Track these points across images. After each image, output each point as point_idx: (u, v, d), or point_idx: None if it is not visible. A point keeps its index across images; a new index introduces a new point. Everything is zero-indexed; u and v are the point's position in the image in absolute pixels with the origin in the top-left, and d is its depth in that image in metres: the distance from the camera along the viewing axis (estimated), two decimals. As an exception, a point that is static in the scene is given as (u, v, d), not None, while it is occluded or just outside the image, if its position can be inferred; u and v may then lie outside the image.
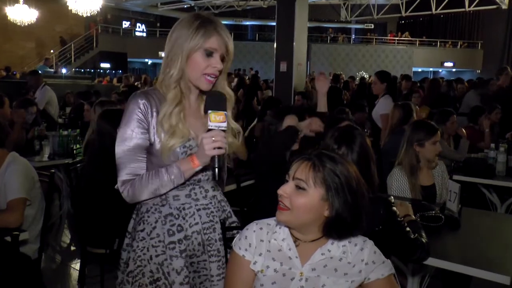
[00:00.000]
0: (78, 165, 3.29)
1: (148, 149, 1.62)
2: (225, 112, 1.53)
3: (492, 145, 4.09)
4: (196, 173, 1.65)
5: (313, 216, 1.41)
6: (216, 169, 1.52)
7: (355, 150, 2.07)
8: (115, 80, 16.19)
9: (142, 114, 1.59)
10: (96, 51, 21.27)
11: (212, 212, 1.72)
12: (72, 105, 8.07)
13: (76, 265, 3.79)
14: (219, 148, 1.49)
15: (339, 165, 1.42)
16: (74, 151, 4.19)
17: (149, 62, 26.35)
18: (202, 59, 1.58)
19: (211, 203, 1.73)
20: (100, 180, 2.95)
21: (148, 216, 1.65)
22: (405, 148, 2.91)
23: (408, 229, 1.98)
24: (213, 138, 1.49)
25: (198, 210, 1.69)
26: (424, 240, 1.99)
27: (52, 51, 19.57)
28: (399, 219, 1.98)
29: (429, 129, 2.91)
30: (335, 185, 1.39)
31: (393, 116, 4.34)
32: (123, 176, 1.60)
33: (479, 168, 3.84)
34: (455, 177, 3.48)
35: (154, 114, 1.60)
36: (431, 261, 2.00)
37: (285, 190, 1.43)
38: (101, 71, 20.67)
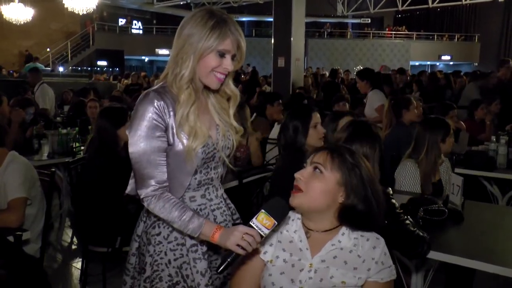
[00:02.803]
0: (79, 163, 3.28)
1: (167, 152, 1.56)
2: (275, 222, 1.41)
3: (493, 138, 4.08)
4: (210, 173, 1.65)
5: (327, 200, 1.45)
6: (226, 263, 1.42)
7: (367, 145, 2.09)
8: (112, 77, 16.13)
9: (159, 115, 1.51)
10: (92, 49, 21.18)
11: (224, 211, 1.72)
12: (70, 103, 8.05)
13: (77, 264, 3.78)
14: (242, 248, 1.39)
15: (355, 155, 1.49)
16: (74, 149, 4.16)
17: (146, 59, 26.28)
18: (215, 61, 1.53)
19: (221, 202, 1.73)
20: (101, 178, 2.94)
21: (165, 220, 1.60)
22: (429, 147, 2.86)
23: (408, 222, 1.98)
24: (244, 237, 1.39)
25: (213, 210, 1.68)
26: (423, 234, 1.98)
27: (48, 49, 19.50)
28: (398, 211, 1.97)
29: (445, 124, 2.93)
30: (351, 172, 1.44)
31: (387, 110, 4.36)
32: (148, 187, 1.52)
33: (480, 161, 3.83)
34: (456, 170, 3.47)
35: (171, 113, 1.53)
36: (435, 255, 1.99)
37: (302, 174, 1.48)
38: (98, 69, 20.59)
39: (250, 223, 1.41)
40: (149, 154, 1.52)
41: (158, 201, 1.52)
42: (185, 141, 1.53)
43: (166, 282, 1.59)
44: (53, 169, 2.80)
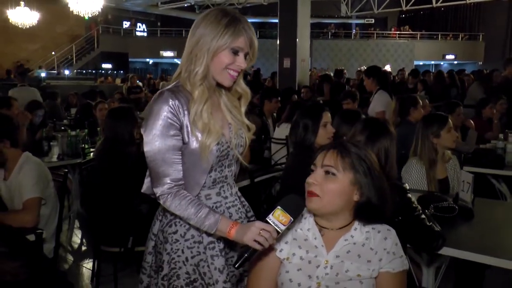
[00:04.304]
0: (90, 164, 3.31)
1: (182, 150, 1.58)
2: (291, 218, 1.43)
3: (501, 136, 4.09)
4: (224, 171, 1.67)
5: (344, 201, 1.47)
6: (244, 259, 1.43)
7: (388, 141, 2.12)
8: (118, 80, 16.21)
9: (174, 114, 1.53)
10: (97, 52, 21.28)
11: (239, 208, 1.74)
12: (76, 106, 8.12)
13: (88, 264, 3.81)
14: (259, 243, 1.41)
15: (363, 150, 1.51)
16: (85, 150, 4.20)
17: (150, 61, 26.36)
18: (228, 58, 1.55)
19: (236, 199, 1.74)
20: (113, 178, 2.97)
21: (181, 218, 1.61)
22: (422, 142, 2.93)
23: (423, 216, 2.00)
24: (261, 232, 1.41)
25: (228, 208, 1.70)
26: (438, 228, 2.01)
27: (53, 53, 19.61)
28: (414, 205, 2.00)
29: (440, 118, 2.95)
30: (362, 169, 1.46)
31: (394, 109, 4.40)
32: (164, 185, 1.55)
33: (488, 159, 3.84)
34: (465, 168, 3.48)
35: (186, 112, 1.55)
36: (447, 251, 2.02)
37: (316, 178, 1.48)
38: (103, 71, 20.70)
39: (267, 219, 1.42)
40: (164, 153, 1.54)
41: (174, 199, 1.54)
42: (199, 138, 1.56)
43: (183, 280, 1.61)
44: (66, 170, 2.83)
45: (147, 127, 1.55)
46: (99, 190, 3.05)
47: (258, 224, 1.43)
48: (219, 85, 1.65)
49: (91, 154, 4.23)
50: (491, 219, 2.49)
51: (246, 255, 1.43)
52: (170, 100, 1.54)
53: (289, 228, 1.47)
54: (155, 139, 1.54)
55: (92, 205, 3.11)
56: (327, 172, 1.47)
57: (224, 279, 1.60)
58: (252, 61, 1.64)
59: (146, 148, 1.56)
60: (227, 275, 1.62)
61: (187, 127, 1.56)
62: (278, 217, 1.42)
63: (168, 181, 1.55)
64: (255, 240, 1.41)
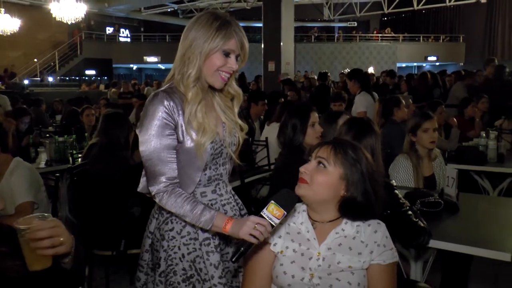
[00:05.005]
0: (80, 168, 3.31)
1: (177, 149, 1.62)
2: (285, 212, 1.46)
3: (483, 133, 4.20)
4: (219, 169, 1.71)
5: (330, 193, 1.52)
6: (240, 252, 1.46)
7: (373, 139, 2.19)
8: (101, 86, 16.11)
9: (169, 114, 1.58)
10: (80, 58, 21.07)
11: (234, 206, 1.79)
12: (62, 113, 8.09)
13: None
14: (254, 237, 1.44)
15: (358, 150, 1.55)
16: (73, 156, 4.20)
17: (134, 67, 26.23)
18: (220, 60, 1.61)
19: (231, 197, 1.79)
20: (106, 181, 2.98)
21: (177, 215, 1.65)
22: (406, 140, 3.04)
23: (410, 212, 2.07)
24: (256, 226, 1.44)
25: (223, 205, 1.74)
26: (424, 224, 2.08)
27: (35, 59, 19.41)
28: (401, 201, 2.06)
29: (420, 118, 3.04)
30: (353, 168, 1.51)
31: (378, 111, 4.54)
32: (159, 183, 1.58)
33: (471, 156, 3.94)
34: (449, 165, 3.57)
35: (180, 112, 1.60)
36: (434, 243, 2.08)
37: (307, 168, 1.55)
38: (86, 78, 20.53)
39: (261, 213, 1.46)
40: (159, 152, 1.58)
41: (169, 197, 1.58)
42: (194, 137, 1.60)
43: (180, 276, 1.64)
44: (58, 174, 2.84)
45: (143, 127, 1.60)
46: (92, 194, 3.06)
47: (253, 218, 1.46)
48: (212, 87, 1.70)
49: (79, 159, 4.23)
50: (475, 213, 2.57)
51: (242, 249, 1.46)
52: (165, 101, 1.58)
53: (282, 222, 1.51)
54: (151, 139, 1.58)
55: (83, 209, 3.11)
56: (319, 163, 1.53)
57: (219, 275, 1.64)
58: (243, 62, 1.69)
59: (142, 148, 1.60)
60: (222, 270, 1.66)
61: (181, 126, 1.61)
62: (272, 211, 1.46)
63: (164, 180, 1.59)
64: (250, 234, 1.44)
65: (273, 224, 1.46)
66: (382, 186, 1.58)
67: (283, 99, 5.99)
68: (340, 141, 1.60)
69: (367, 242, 1.52)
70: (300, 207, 1.62)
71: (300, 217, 1.60)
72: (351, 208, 1.52)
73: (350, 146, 1.56)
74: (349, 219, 1.55)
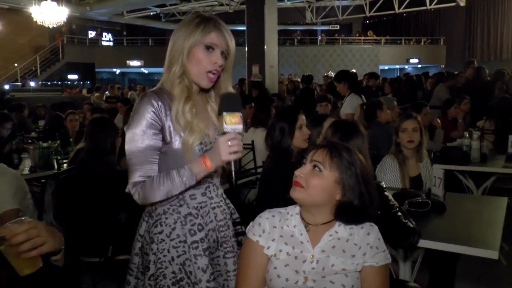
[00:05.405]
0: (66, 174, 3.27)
1: (164, 150, 1.62)
2: (240, 114, 1.50)
3: (466, 134, 4.27)
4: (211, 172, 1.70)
5: (325, 197, 1.51)
6: (235, 173, 1.49)
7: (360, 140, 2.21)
8: (84, 90, 15.94)
9: (156, 114, 1.59)
10: (62, 63, 20.86)
11: (224, 209, 1.78)
12: (45, 118, 7.98)
13: (65, 276, 3.74)
14: (235, 152, 1.48)
15: (353, 154, 1.55)
16: (59, 161, 4.14)
17: (117, 71, 26.04)
18: (202, 54, 1.61)
19: (222, 200, 1.78)
20: (93, 188, 2.95)
21: (166, 218, 1.65)
22: (394, 140, 3.11)
23: (400, 213, 2.09)
24: (229, 143, 1.47)
25: (213, 208, 1.73)
26: (413, 225, 2.10)
27: (16, 64, 19.13)
28: (391, 203, 2.08)
29: (400, 118, 3.16)
30: (349, 172, 1.51)
31: (360, 115, 4.63)
32: (134, 178, 1.60)
33: (455, 156, 4.01)
34: (434, 166, 3.62)
35: (168, 113, 1.60)
36: (423, 243, 2.10)
37: (302, 171, 1.54)
38: (69, 82, 20.30)
39: (224, 130, 1.49)
40: (142, 151, 1.59)
41: (143, 187, 1.59)
42: (182, 135, 1.60)
43: (170, 279, 1.63)
44: (43, 181, 2.80)
45: (130, 125, 1.61)
46: (78, 200, 3.02)
47: (222, 139, 1.48)
48: (204, 90, 1.70)
49: (65, 165, 4.18)
50: (461, 212, 2.61)
51: (233, 170, 1.50)
52: (153, 101, 1.59)
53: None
54: (135, 138, 1.59)
55: (70, 215, 3.08)
56: (314, 167, 1.53)
57: (207, 278, 1.63)
58: (229, 59, 1.69)
59: (127, 146, 1.62)
60: (210, 274, 1.64)
61: (169, 127, 1.61)
62: (230, 122, 1.48)
63: (139, 178, 1.59)
64: (231, 153, 1.47)
65: (240, 131, 1.49)
66: (375, 188, 1.59)
67: (252, 104, 5.86)
68: (335, 144, 1.59)
69: (360, 245, 1.52)
70: (293, 210, 1.62)
71: (293, 220, 1.59)
72: (347, 212, 1.52)
73: (345, 149, 1.55)
74: (341, 222, 1.55)
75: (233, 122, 1.48)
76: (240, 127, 1.50)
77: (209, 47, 1.61)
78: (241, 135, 1.52)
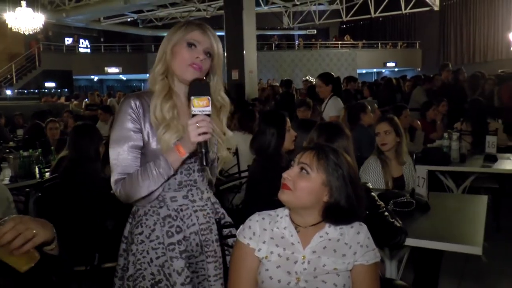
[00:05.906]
0: (50, 182, 3.24)
1: (143, 152, 1.64)
2: (208, 97, 1.52)
3: (445, 135, 4.37)
4: (193, 175, 1.70)
5: (313, 199, 1.53)
6: (204, 154, 1.50)
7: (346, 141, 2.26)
8: (62, 98, 15.71)
9: (135, 115, 1.62)
10: (39, 70, 20.41)
11: (208, 213, 1.76)
12: (24, 127, 7.84)
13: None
14: (204, 133, 1.49)
15: (340, 156, 1.57)
16: (41, 170, 4.08)
17: (95, 78, 25.73)
18: (185, 50, 1.63)
19: (206, 204, 1.76)
20: (79, 195, 2.93)
21: (147, 219, 1.66)
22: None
23: (386, 213, 2.13)
24: (197, 124, 1.48)
25: (195, 211, 1.72)
26: (400, 224, 2.15)
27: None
28: (378, 203, 2.13)
29: (376, 122, 3.28)
30: (335, 174, 1.53)
31: (343, 117, 4.68)
32: (115, 176, 1.62)
33: (436, 157, 4.10)
34: (416, 166, 3.70)
35: (147, 114, 1.63)
36: (410, 242, 2.15)
37: (290, 174, 1.56)
38: (46, 90, 19.95)
39: (192, 113, 1.51)
40: (120, 150, 1.61)
41: (124, 183, 1.60)
42: (159, 133, 1.61)
43: (149, 281, 1.63)
44: (28, 189, 2.76)
45: (113, 125, 1.66)
46: (63, 208, 2.99)
47: (190, 122, 1.50)
48: None
49: (47, 174, 4.12)
50: (445, 210, 2.67)
51: (203, 150, 1.50)
52: (132, 101, 1.63)
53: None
54: (114, 137, 1.63)
55: (55, 224, 3.03)
56: (301, 169, 1.55)
57: (182, 281, 1.62)
58: (216, 60, 1.70)
59: (110, 146, 1.64)
60: (185, 277, 1.63)
61: (147, 127, 1.63)
62: (198, 105, 1.50)
63: (119, 176, 1.61)
64: (200, 134, 1.48)
65: (208, 113, 1.51)
66: (363, 189, 1.62)
67: (251, 107, 5.96)
68: (323, 146, 1.60)
69: (351, 244, 1.55)
70: (283, 212, 1.63)
71: (283, 222, 1.60)
72: (335, 214, 1.54)
73: (332, 151, 1.57)
74: (330, 223, 1.57)
75: (200, 104, 1.50)
76: (208, 109, 1.51)
77: (191, 44, 1.63)
78: (210, 120, 1.53)
